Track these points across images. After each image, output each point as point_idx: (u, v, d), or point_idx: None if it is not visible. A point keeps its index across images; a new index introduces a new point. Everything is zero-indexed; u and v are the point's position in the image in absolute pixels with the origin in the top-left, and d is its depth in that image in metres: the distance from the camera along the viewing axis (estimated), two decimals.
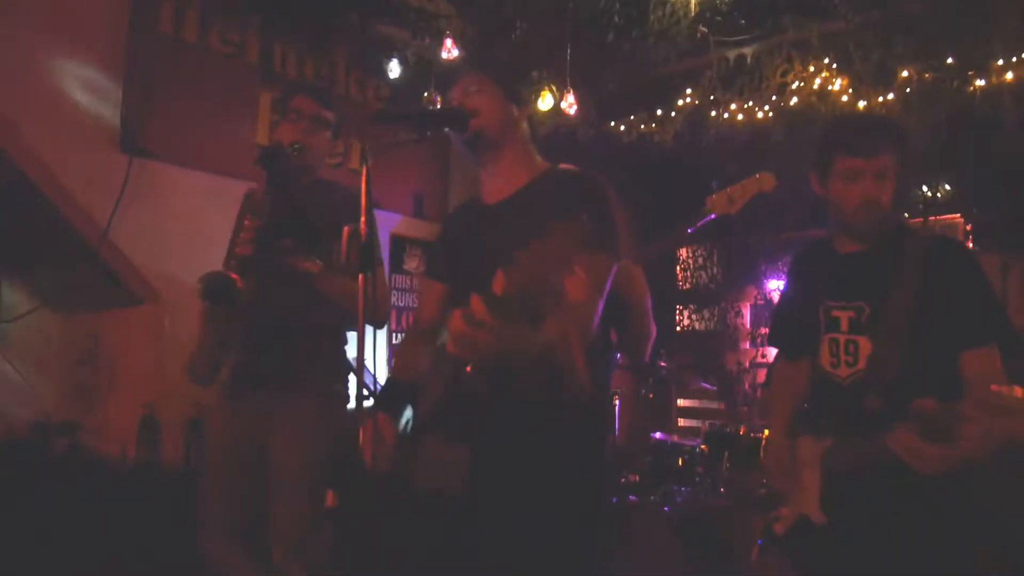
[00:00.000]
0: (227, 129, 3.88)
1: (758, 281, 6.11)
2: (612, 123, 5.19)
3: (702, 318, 6.52)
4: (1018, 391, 1.54)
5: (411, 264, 5.12)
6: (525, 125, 2.01)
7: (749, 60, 4.35)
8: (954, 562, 1.84)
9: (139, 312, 3.59)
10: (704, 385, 5.53)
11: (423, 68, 4.60)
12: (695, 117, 4.82)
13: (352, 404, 2.58)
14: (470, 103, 1.92)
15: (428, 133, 1.92)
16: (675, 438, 4.88)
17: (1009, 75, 3.90)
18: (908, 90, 4.13)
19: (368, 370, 3.59)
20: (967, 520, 1.86)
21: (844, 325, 2.04)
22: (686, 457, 4.51)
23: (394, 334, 5.03)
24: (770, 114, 4.58)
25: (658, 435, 4.80)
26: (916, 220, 5.24)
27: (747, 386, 6.05)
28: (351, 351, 2.88)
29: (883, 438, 1.78)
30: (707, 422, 4.88)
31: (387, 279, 1.57)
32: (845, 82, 4.25)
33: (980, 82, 3.98)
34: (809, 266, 2.26)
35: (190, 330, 2.54)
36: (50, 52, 3.35)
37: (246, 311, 2.54)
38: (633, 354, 3.06)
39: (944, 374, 1.86)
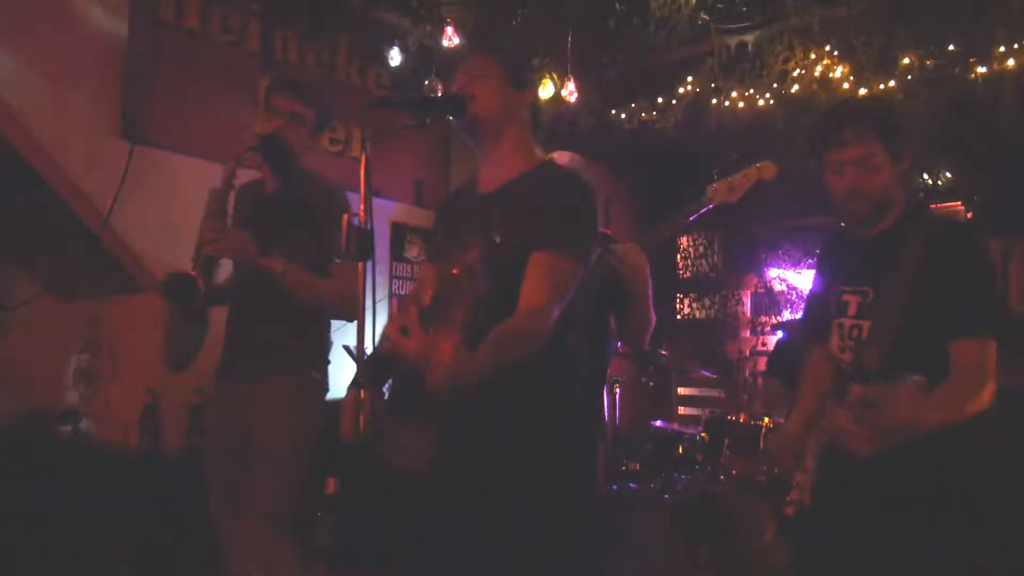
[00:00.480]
0: (228, 116, 3.88)
1: (759, 269, 6.12)
2: (613, 111, 5.18)
3: (703, 306, 6.52)
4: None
5: (412, 252, 5.12)
6: (526, 113, 2.00)
7: (750, 47, 4.34)
8: (942, 544, 1.85)
9: (141, 299, 3.60)
10: (704, 373, 5.53)
11: (424, 56, 4.59)
12: (696, 105, 4.81)
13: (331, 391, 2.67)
14: (470, 88, 1.91)
15: (428, 120, 1.93)
16: (675, 426, 4.88)
17: (1010, 62, 3.89)
18: (909, 77, 4.11)
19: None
20: (949, 503, 1.87)
21: (852, 309, 2.05)
22: (686, 445, 4.51)
23: None
24: (771, 101, 4.57)
25: (658, 423, 4.81)
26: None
27: (747, 374, 6.06)
28: (342, 338, 2.93)
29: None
30: (707, 410, 4.89)
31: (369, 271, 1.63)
32: (846, 69, 4.24)
33: (981, 69, 3.97)
34: (829, 254, 2.29)
35: None
36: (51, 39, 3.34)
37: (233, 297, 2.65)
38: (633, 341, 3.06)
39: (934, 360, 1.85)
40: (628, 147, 5.30)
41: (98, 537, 3.08)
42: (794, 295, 5.89)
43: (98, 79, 3.52)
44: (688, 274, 6.63)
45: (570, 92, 4.50)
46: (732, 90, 4.62)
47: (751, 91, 4.59)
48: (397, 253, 5.04)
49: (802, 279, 5.79)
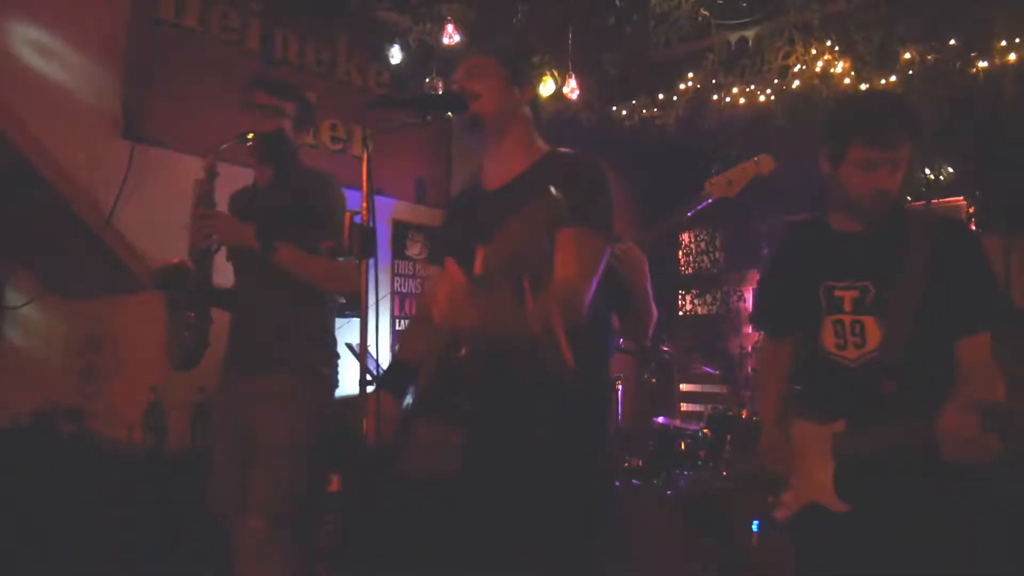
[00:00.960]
0: (228, 115, 3.88)
1: (760, 265, 6.11)
2: (614, 107, 5.18)
3: (704, 302, 6.53)
4: None
5: (413, 250, 5.13)
6: (527, 109, 2.00)
7: (751, 43, 4.34)
8: (983, 550, 1.81)
9: (143, 298, 3.60)
10: (706, 369, 5.53)
11: (424, 53, 4.59)
12: (697, 101, 4.81)
13: (339, 387, 2.68)
14: (472, 85, 1.90)
15: (429, 118, 1.92)
16: (678, 422, 4.89)
17: (1012, 56, 3.88)
18: (910, 72, 4.10)
19: (371, 355, 3.61)
20: (993, 509, 1.86)
21: (847, 305, 1.98)
22: (689, 441, 4.51)
23: (397, 320, 5.04)
24: (772, 97, 4.57)
25: (661, 419, 4.81)
26: (919, 203, 5.23)
27: (749, 370, 6.05)
28: (345, 336, 2.93)
29: (911, 422, 1.76)
30: (710, 406, 4.89)
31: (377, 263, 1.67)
32: (847, 64, 4.24)
33: (982, 63, 3.96)
34: (804, 245, 2.18)
35: None
36: (51, 38, 3.35)
37: (234, 297, 2.66)
38: (635, 337, 3.08)
39: (946, 356, 1.85)
40: (629, 144, 5.30)
41: (102, 535, 3.09)
42: None
43: (99, 78, 3.52)
44: (690, 270, 6.63)
45: (571, 89, 4.50)
46: (733, 86, 4.62)
47: (752, 87, 4.59)
48: (398, 251, 5.05)
49: None
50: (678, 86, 4.84)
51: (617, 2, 4.16)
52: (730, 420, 4.45)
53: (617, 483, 4.14)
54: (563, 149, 1.97)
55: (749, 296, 6.31)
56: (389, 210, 4.94)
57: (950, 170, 5.05)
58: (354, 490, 1.68)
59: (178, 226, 3.58)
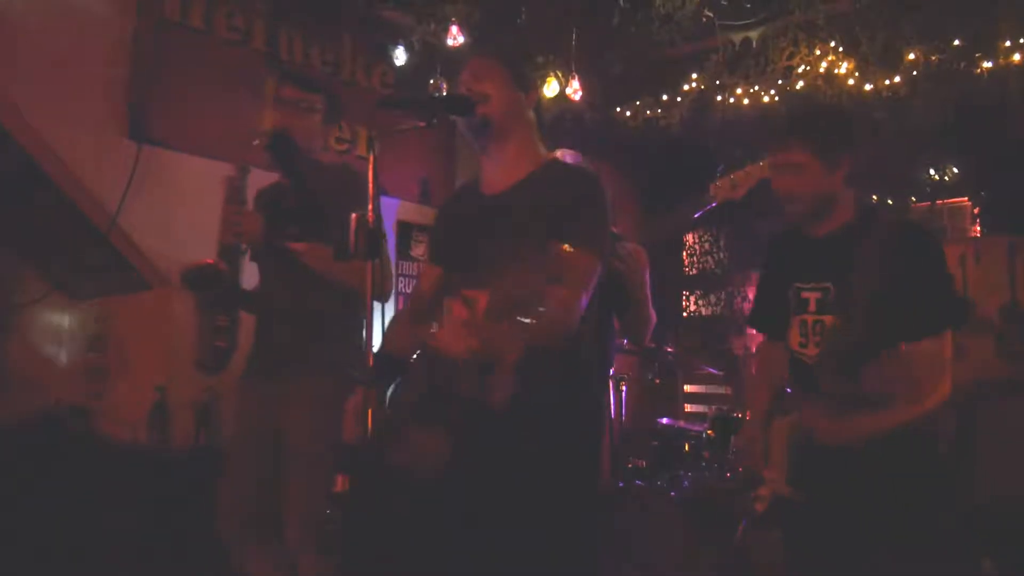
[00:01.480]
0: (234, 115, 3.89)
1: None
2: (618, 108, 5.18)
3: (708, 303, 6.52)
4: None
5: (418, 251, 5.13)
6: (532, 113, 2.01)
7: (755, 43, 4.34)
8: (918, 526, 1.94)
9: (149, 297, 3.62)
10: (710, 370, 5.53)
11: (429, 54, 4.59)
12: (701, 101, 4.80)
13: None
14: (478, 88, 1.91)
15: (435, 119, 1.92)
16: (681, 423, 4.89)
17: (1016, 56, 3.88)
18: (915, 72, 4.10)
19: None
20: (927, 487, 1.98)
21: (812, 306, 2.11)
22: (692, 442, 4.51)
23: None
24: (776, 98, 4.57)
25: (664, 420, 4.81)
26: (923, 203, 5.23)
27: (753, 371, 6.05)
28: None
29: (847, 417, 1.93)
30: (713, 407, 4.89)
31: (391, 260, 1.64)
32: (851, 65, 4.24)
33: (987, 64, 3.96)
34: (781, 250, 2.33)
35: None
36: (57, 39, 3.36)
37: (259, 299, 2.61)
38: (634, 338, 3.13)
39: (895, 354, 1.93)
40: (633, 144, 5.30)
41: (107, 534, 3.10)
42: None
43: (105, 79, 3.54)
44: (694, 271, 6.62)
45: (575, 90, 4.50)
46: (737, 86, 4.62)
47: (756, 87, 4.58)
48: (403, 251, 5.05)
49: None
50: (682, 86, 4.84)
51: (621, 2, 4.16)
52: (734, 421, 4.45)
53: (621, 483, 4.15)
54: (564, 157, 1.98)
55: (753, 297, 6.29)
56: (393, 211, 4.94)
57: (955, 170, 5.05)
58: (353, 488, 1.68)
59: (184, 226, 3.61)
